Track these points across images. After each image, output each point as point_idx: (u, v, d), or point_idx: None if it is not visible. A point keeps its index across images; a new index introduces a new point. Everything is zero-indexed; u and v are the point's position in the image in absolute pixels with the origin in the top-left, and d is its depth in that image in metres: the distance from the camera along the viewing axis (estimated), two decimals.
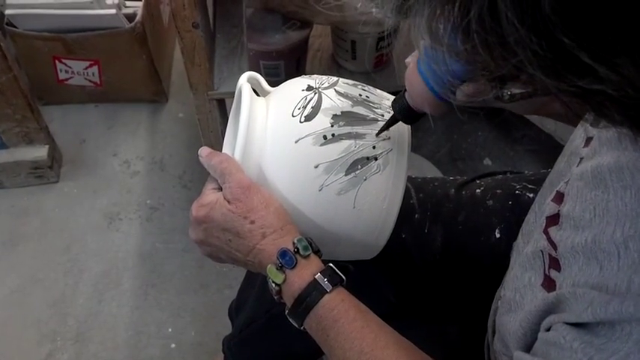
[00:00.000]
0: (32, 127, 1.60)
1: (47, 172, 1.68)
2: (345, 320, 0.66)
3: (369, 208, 0.73)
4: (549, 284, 0.56)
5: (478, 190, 0.95)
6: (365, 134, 0.72)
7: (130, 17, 1.65)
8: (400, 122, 0.73)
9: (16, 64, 1.52)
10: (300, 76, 0.82)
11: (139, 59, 1.72)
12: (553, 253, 0.57)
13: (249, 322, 0.98)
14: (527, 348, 0.58)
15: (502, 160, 1.71)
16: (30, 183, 1.70)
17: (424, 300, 0.95)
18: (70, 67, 1.72)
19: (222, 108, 1.25)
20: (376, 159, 0.72)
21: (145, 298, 1.53)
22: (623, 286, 0.47)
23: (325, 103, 0.73)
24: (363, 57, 1.62)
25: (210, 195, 0.74)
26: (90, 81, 1.77)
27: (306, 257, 0.69)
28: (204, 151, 0.76)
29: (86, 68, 1.72)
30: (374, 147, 0.72)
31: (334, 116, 0.72)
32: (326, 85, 0.76)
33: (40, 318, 1.50)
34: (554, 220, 0.59)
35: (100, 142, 1.81)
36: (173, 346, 1.46)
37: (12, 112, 1.54)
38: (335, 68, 1.69)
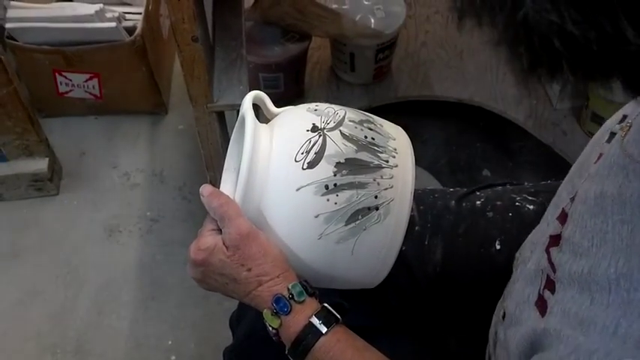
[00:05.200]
0: (32, 139, 1.60)
1: (47, 184, 1.68)
2: None
3: (368, 255, 0.73)
4: (542, 305, 0.57)
5: (478, 202, 0.95)
6: (367, 183, 0.71)
7: (130, 30, 1.66)
8: (405, 173, 0.74)
9: (16, 77, 1.52)
10: (306, 103, 0.80)
11: (139, 72, 1.72)
12: (552, 275, 0.57)
13: (250, 333, 0.97)
14: None
15: (501, 171, 1.72)
16: (30, 195, 1.70)
17: (424, 312, 0.95)
18: (70, 80, 1.73)
19: (221, 120, 1.25)
20: (377, 209, 0.71)
21: (145, 311, 1.53)
22: (611, 329, 0.47)
23: (329, 149, 0.72)
24: (362, 69, 1.63)
25: (208, 238, 0.74)
26: (90, 93, 1.77)
27: (301, 302, 0.70)
28: (205, 190, 0.75)
29: (86, 81, 1.73)
30: (376, 197, 0.71)
31: (338, 164, 0.71)
32: (331, 124, 0.74)
33: (39, 330, 1.50)
34: (556, 240, 0.60)
35: (100, 154, 1.81)
36: (173, 358, 1.45)
37: (12, 125, 1.55)
38: (334, 80, 1.70)
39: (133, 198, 1.72)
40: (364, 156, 0.72)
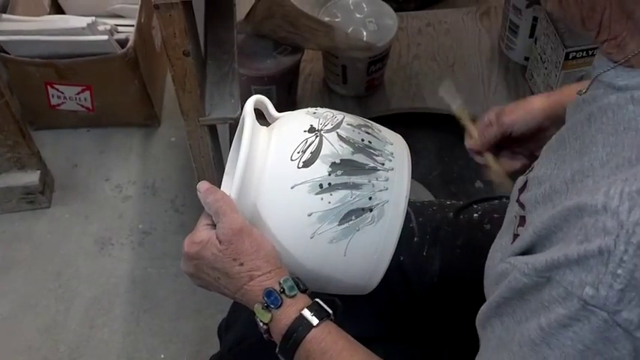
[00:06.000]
0: (24, 152, 1.60)
1: (39, 197, 1.68)
2: (333, 351, 0.68)
3: (360, 257, 0.73)
4: (515, 240, 0.62)
5: (475, 215, 0.97)
6: (362, 184, 0.72)
7: (122, 43, 1.66)
8: (401, 176, 0.74)
9: (7, 89, 1.52)
10: (306, 108, 0.81)
11: (131, 84, 1.72)
12: (522, 213, 0.63)
13: (239, 341, 0.98)
14: None
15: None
16: (21, 208, 1.69)
17: (421, 323, 0.96)
18: (62, 93, 1.72)
19: (213, 134, 1.25)
20: (371, 210, 0.72)
21: (137, 324, 1.52)
22: (566, 204, 0.53)
23: (325, 149, 0.73)
24: (354, 81, 1.63)
25: (203, 232, 0.74)
26: (82, 106, 1.77)
27: (292, 297, 0.70)
28: (202, 186, 0.76)
29: (78, 93, 1.73)
30: (370, 198, 0.72)
31: (333, 164, 0.72)
32: (329, 126, 0.75)
33: (31, 344, 1.49)
34: (523, 188, 0.66)
35: (92, 166, 1.81)
36: None
37: (4, 138, 1.54)
38: (326, 92, 1.70)
39: (125, 210, 1.72)
40: (360, 158, 0.73)
